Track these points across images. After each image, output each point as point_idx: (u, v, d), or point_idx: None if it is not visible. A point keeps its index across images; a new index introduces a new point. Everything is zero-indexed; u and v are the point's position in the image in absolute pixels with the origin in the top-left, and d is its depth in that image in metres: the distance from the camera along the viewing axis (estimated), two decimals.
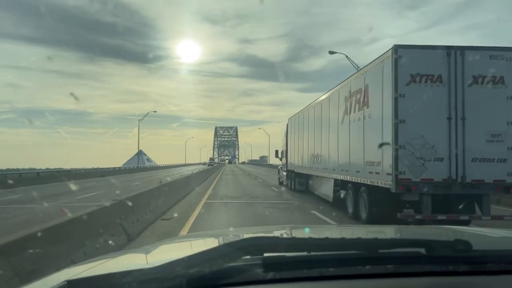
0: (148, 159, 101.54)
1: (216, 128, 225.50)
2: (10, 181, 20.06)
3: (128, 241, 6.44)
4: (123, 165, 65.10)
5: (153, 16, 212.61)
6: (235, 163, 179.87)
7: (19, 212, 11.41)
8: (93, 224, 5.41)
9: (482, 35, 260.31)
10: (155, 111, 74.06)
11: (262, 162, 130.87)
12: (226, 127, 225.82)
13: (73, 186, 20.67)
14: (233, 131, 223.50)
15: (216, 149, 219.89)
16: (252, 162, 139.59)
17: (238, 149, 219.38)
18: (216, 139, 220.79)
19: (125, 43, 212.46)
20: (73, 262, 4.18)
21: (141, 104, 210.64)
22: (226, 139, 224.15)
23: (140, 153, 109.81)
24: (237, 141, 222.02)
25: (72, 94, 72.22)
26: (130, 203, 7.18)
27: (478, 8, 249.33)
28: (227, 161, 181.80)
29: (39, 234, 3.84)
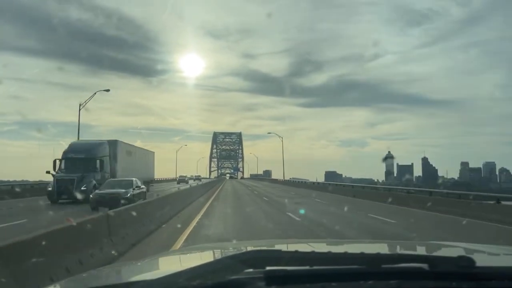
0: None
1: (215, 134, 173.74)
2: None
3: None
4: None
5: (156, 30, 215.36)
6: (236, 177, 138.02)
7: None
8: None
9: (484, 53, 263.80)
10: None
11: (265, 177, 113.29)
12: (227, 133, 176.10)
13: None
14: (236, 138, 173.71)
15: (216, 160, 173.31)
16: (254, 177, 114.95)
17: (243, 160, 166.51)
18: (215, 147, 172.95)
19: (128, 56, 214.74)
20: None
21: (143, 117, 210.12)
22: (227, 148, 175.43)
23: None
24: (241, 150, 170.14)
25: (81, 104, 70.00)
26: None
27: (481, 26, 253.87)
28: (227, 175, 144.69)
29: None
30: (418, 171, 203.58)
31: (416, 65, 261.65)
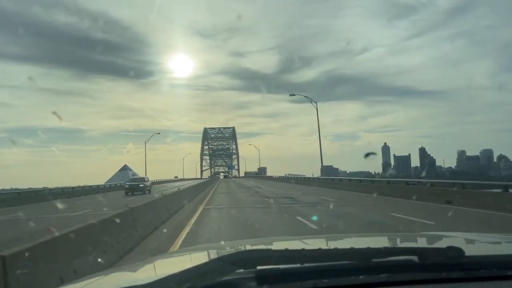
0: (134, 175, 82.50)
1: (205, 129, 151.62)
2: None
3: None
4: (106, 181, 56.76)
5: (144, 31, 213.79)
6: (231, 176, 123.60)
7: None
8: None
9: (472, 42, 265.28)
10: (159, 133, 69.38)
11: (261, 174, 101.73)
12: (219, 128, 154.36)
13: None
14: (230, 133, 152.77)
15: (208, 158, 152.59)
16: (249, 176, 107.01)
17: (238, 157, 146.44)
18: (206, 144, 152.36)
19: (117, 59, 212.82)
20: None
21: (134, 120, 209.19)
22: (220, 144, 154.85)
23: (125, 168, 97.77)
24: (236, 145, 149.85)
25: (55, 113, 70.30)
26: None
27: (468, 15, 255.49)
28: (221, 174, 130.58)
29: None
30: (415, 162, 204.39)
31: (404, 57, 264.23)
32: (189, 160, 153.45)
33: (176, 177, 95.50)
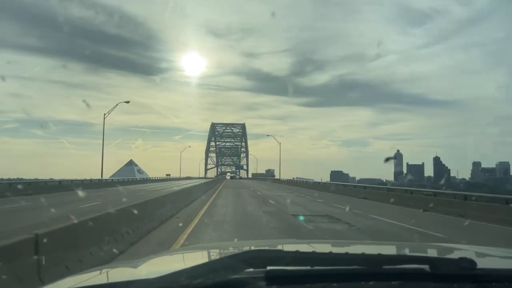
0: (139, 170, 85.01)
1: (212, 125, 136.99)
2: None
3: None
4: (111, 176, 56.33)
5: (158, 28, 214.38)
6: (238, 177, 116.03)
7: None
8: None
9: (485, 53, 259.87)
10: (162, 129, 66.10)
11: (268, 176, 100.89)
12: (228, 124, 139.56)
13: None
14: (239, 130, 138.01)
15: (214, 156, 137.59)
16: (257, 178, 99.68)
17: (247, 156, 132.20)
18: (213, 140, 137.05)
19: (129, 54, 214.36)
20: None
21: (144, 116, 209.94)
22: (228, 142, 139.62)
23: (130, 163, 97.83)
24: (246, 143, 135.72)
25: (84, 101, 72.82)
26: None
27: (482, 26, 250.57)
28: (229, 174, 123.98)
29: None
30: (428, 171, 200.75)
31: (418, 65, 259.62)
32: (197, 158, 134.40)
33: (168, 175, 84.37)
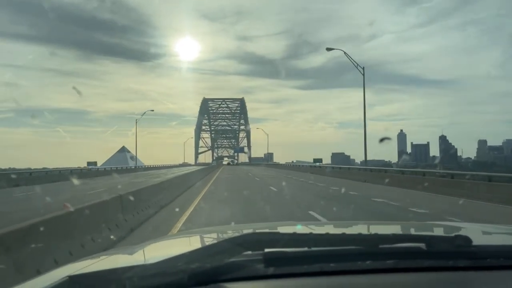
0: (132, 157, 73.20)
1: (204, 100, 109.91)
2: None
3: None
4: (103, 164, 52.83)
5: (150, 13, 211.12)
6: (237, 162, 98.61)
7: None
8: None
9: (481, 31, 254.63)
10: (152, 110, 63.32)
11: (266, 161, 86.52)
12: (224, 100, 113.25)
13: None
14: (237, 107, 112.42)
15: (209, 137, 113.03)
16: (256, 162, 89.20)
17: (249, 138, 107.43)
18: (206, 118, 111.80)
19: (122, 41, 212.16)
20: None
21: (139, 103, 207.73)
22: (225, 120, 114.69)
23: (123, 150, 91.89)
24: (246, 121, 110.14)
25: (74, 88, 72.29)
26: None
27: (478, 4, 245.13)
28: (226, 159, 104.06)
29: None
30: (433, 151, 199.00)
31: (413, 45, 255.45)
32: (192, 143, 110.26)
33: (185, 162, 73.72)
